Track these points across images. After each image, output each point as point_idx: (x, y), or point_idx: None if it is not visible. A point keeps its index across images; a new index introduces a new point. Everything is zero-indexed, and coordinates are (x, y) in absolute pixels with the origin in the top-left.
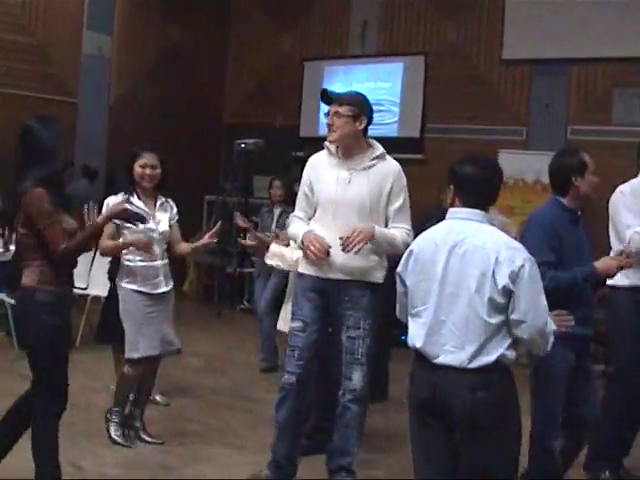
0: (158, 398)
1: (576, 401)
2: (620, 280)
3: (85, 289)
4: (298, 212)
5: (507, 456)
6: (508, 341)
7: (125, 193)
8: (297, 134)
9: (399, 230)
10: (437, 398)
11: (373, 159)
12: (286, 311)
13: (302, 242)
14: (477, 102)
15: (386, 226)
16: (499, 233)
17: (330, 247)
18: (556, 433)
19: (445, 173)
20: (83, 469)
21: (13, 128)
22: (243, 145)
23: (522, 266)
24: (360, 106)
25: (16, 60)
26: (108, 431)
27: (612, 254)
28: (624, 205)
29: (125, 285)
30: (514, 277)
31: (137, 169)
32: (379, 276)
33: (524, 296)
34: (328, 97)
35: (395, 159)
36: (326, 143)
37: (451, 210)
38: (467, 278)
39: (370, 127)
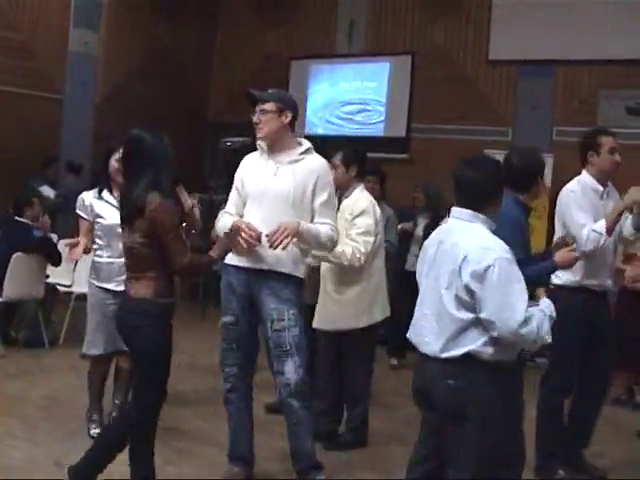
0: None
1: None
2: (565, 279)
3: (70, 287)
4: (229, 208)
5: (472, 453)
6: (483, 338)
7: (100, 188)
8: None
9: (324, 226)
10: (424, 387)
11: (300, 154)
12: None
13: (230, 230)
14: (463, 102)
15: (312, 221)
16: (480, 233)
17: (261, 233)
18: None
19: (431, 173)
20: (66, 467)
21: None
22: (229, 143)
23: (489, 266)
24: (283, 101)
25: (2, 56)
26: (89, 430)
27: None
28: (576, 204)
29: (91, 281)
30: (477, 276)
31: (113, 163)
32: (301, 269)
33: (491, 297)
34: (252, 97)
35: (381, 159)
36: (259, 142)
37: (451, 209)
38: (442, 274)
39: (356, 126)
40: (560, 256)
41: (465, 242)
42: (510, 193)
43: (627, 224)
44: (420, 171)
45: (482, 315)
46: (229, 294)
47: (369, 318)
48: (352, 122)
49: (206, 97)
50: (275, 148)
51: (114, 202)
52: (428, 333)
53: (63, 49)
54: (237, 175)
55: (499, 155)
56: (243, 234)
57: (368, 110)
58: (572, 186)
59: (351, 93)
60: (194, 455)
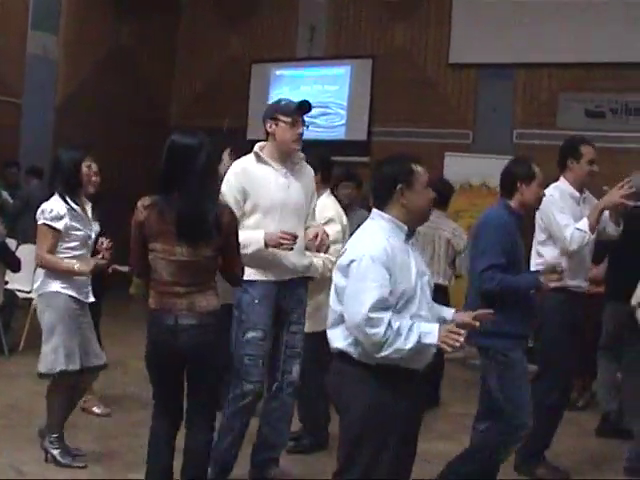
0: (96, 410)
1: None
2: None
3: (29, 292)
4: None
5: (343, 448)
6: (352, 337)
7: (62, 196)
8: (244, 136)
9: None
10: None
11: (298, 161)
12: None
13: (265, 244)
14: (424, 105)
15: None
16: (368, 230)
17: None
18: (528, 425)
19: None
20: (25, 473)
21: None
22: None
23: (352, 261)
24: None
25: None
26: (54, 458)
27: (534, 256)
28: (556, 207)
29: (62, 290)
30: (342, 269)
31: (85, 171)
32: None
33: (348, 290)
34: (308, 107)
35: (342, 162)
36: (257, 150)
37: None
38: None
39: (317, 130)
40: (548, 279)
41: (353, 238)
42: (503, 200)
43: (607, 220)
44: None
45: (341, 307)
46: (257, 308)
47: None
48: (313, 125)
49: (168, 100)
50: (284, 159)
51: (81, 212)
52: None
53: (21, 52)
54: (234, 183)
55: (460, 157)
56: (285, 241)
57: (329, 113)
58: (550, 191)
59: (312, 97)
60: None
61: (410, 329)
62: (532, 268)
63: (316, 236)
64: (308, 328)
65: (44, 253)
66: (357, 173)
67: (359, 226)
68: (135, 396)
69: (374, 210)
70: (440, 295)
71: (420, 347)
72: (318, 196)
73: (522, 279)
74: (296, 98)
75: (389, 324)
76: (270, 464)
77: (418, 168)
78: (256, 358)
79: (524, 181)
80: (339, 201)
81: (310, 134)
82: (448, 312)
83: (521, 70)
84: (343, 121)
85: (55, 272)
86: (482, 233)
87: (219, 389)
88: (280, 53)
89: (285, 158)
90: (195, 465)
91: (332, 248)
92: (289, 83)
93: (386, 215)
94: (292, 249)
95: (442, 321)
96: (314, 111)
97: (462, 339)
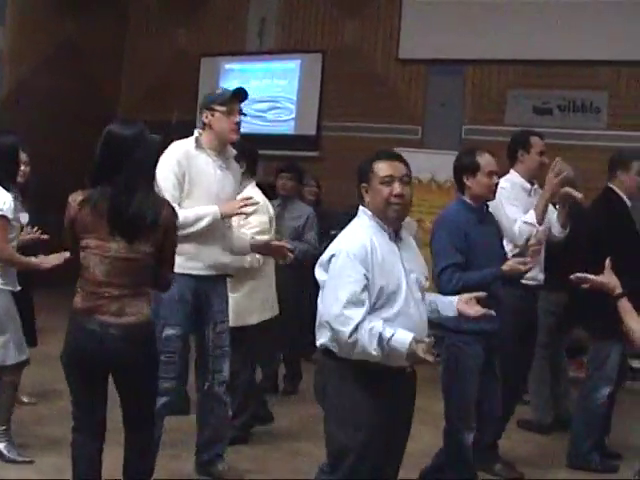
0: (25, 399)
1: (480, 396)
2: None
3: None
4: (173, 198)
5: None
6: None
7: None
8: (193, 130)
9: None
10: None
11: (230, 156)
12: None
13: (221, 215)
14: (373, 101)
15: None
16: (351, 226)
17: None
18: (471, 426)
19: (341, 170)
20: None
21: None
22: None
23: (332, 256)
24: None
25: None
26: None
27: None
28: (507, 199)
29: (2, 287)
30: (323, 265)
31: (23, 160)
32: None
33: (326, 285)
34: (245, 95)
35: (291, 156)
36: (197, 135)
37: None
38: None
39: (266, 124)
40: (509, 265)
41: (340, 235)
42: (460, 197)
43: (553, 220)
44: (331, 169)
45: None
46: (174, 304)
47: (260, 316)
48: (263, 120)
49: (116, 94)
50: (222, 151)
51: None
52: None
53: None
54: (173, 165)
55: (409, 153)
56: (244, 207)
57: (279, 108)
58: (502, 184)
59: (261, 91)
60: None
61: (380, 333)
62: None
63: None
64: (232, 322)
65: (9, 248)
66: (297, 165)
67: (300, 218)
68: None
69: (360, 207)
70: None
71: (390, 351)
72: (244, 187)
73: (481, 273)
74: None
75: (356, 327)
76: (215, 461)
77: (378, 164)
78: (173, 355)
79: (469, 173)
80: (277, 192)
81: (259, 128)
82: (452, 300)
83: (470, 66)
84: (292, 115)
85: (10, 268)
86: (435, 234)
87: (153, 401)
88: (230, 47)
89: (221, 149)
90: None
91: (258, 238)
92: (238, 77)
93: (369, 212)
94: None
95: (449, 304)
96: (263, 105)
97: (431, 359)
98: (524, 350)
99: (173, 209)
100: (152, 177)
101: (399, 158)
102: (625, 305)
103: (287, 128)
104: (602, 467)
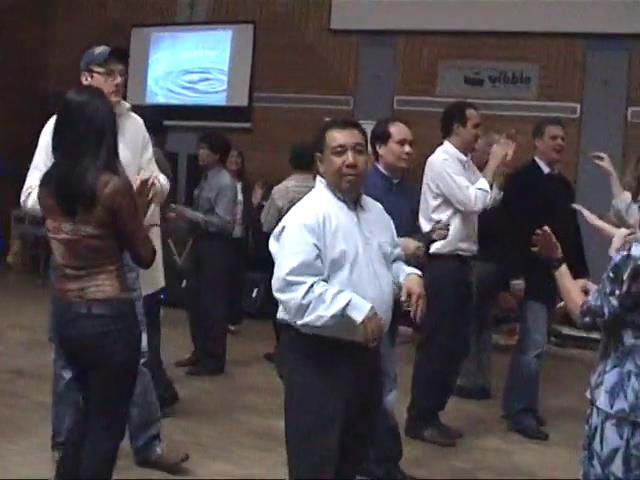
0: None
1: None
2: (439, 245)
3: None
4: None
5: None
6: None
7: None
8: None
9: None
10: None
11: (122, 113)
12: None
13: None
14: (305, 71)
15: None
16: (309, 195)
17: None
18: (390, 388)
19: (273, 142)
20: None
21: None
22: None
23: (284, 227)
24: None
25: None
26: None
27: (425, 223)
28: (452, 170)
29: None
30: (276, 236)
31: None
32: None
33: (277, 256)
34: (124, 54)
35: (223, 128)
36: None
37: None
38: None
39: (198, 95)
40: (402, 240)
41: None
42: (374, 165)
43: (494, 193)
44: (262, 140)
45: None
46: None
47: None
48: (194, 91)
49: (44, 65)
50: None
51: None
52: None
53: None
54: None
55: None
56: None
57: (210, 79)
58: (442, 155)
59: (193, 62)
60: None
61: (335, 296)
62: None
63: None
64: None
65: None
66: (214, 135)
67: (214, 189)
68: (8, 366)
69: (317, 177)
70: None
71: (344, 319)
72: None
73: None
74: (176, 63)
75: (310, 288)
76: (152, 443)
77: (332, 133)
78: None
79: (381, 142)
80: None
81: (190, 99)
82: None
83: (402, 37)
84: (224, 87)
85: None
86: None
87: (119, 395)
88: (161, 17)
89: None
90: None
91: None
92: (169, 47)
93: (324, 182)
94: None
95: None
96: (194, 77)
97: (374, 344)
98: (463, 320)
99: (121, 187)
100: (98, 148)
101: (354, 125)
102: (564, 270)
103: (219, 99)
104: (535, 433)
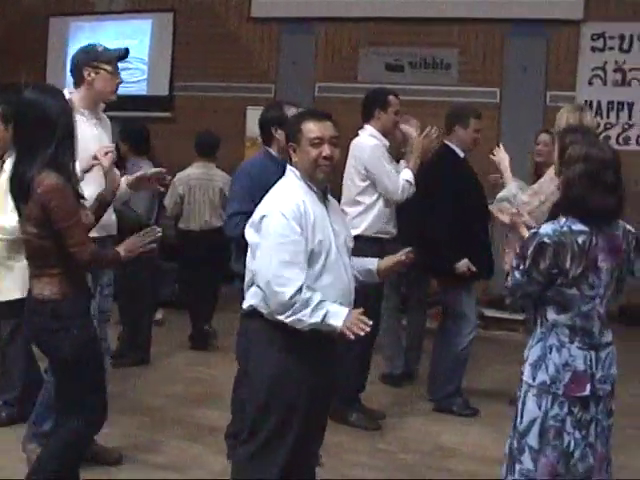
0: None
1: None
2: (362, 229)
3: None
4: None
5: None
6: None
7: None
8: None
9: None
10: None
11: (100, 111)
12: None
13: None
14: (226, 60)
15: None
16: (282, 185)
17: None
18: None
19: (195, 131)
20: None
21: None
22: None
23: (263, 217)
24: None
25: None
26: None
27: (350, 203)
28: (383, 156)
29: None
30: (254, 226)
31: None
32: None
33: (260, 246)
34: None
35: (144, 117)
36: (69, 97)
37: None
38: None
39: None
40: None
41: (267, 194)
42: (264, 148)
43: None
44: (184, 129)
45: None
46: None
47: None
48: None
49: None
50: (96, 109)
51: None
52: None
53: None
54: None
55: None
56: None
57: (130, 68)
58: (370, 140)
59: None
60: None
61: (318, 305)
62: (353, 216)
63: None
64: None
65: None
66: (126, 126)
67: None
68: None
69: (288, 167)
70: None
71: (323, 326)
72: None
73: None
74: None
75: (299, 289)
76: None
77: (308, 125)
78: None
79: (278, 126)
80: None
81: None
82: (371, 263)
83: (322, 24)
84: (144, 76)
85: None
86: (234, 181)
87: (66, 390)
88: (79, 6)
89: (96, 108)
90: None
91: None
92: (88, 37)
93: (297, 172)
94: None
95: (367, 273)
96: None
97: (367, 329)
98: (379, 304)
99: (55, 187)
100: (46, 146)
101: (329, 117)
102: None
103: (139, 89)
104: (463, 411)
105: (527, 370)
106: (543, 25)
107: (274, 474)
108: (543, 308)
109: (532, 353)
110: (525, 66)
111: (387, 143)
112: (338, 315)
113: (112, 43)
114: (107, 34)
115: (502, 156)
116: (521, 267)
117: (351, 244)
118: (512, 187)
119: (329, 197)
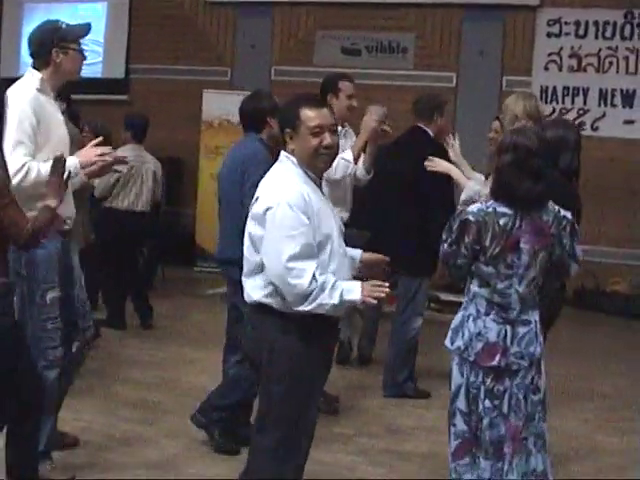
0: None
1: None
2: None
3: None
4: (30, 154)
5: (266, 406)
6: (271, 286)
7: None
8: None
9: None
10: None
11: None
12: None
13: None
14: (182, 43)
15: None
16: (279, 173)
17: None
18: None
19: (150, 114)
20: None
21: None
22: None
23: (269, 208)
24: None
25: None
26: None
27: None
28: None
29: None
30: (257, 218)
31: None
32: None
33: (266, 239)
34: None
35: (100, 100)
36: (42, 77)
37: None
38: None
39: None
40: None
41: (265, 181)
42: (253, 135)
43: (359, 164)
44: (140, 112)
45: (260, 256)
46: (52, 264)
47: None
48: None
49: None
50: (57, 92)
51: None
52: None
53: None
54: (28, 113)
55: (218, 94)
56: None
57: (85, 50)
58: None
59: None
60: None
61: (334, 286)
62: None
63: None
64: None
65: None
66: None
67: None
68: None
69: (282, 153)
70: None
71: (343, 304)
72: None
73: None
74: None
75: (313, 276)
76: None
77: (306, 112)
78: (57, 320)
79: (272, 115)
80: None
81: None
82: (355, 253)
83: (278, 8)
84: (100, 59)
85: None
86: (251, 167)
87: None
88: None
89: (58, 91)
90: None
91: None
92: (43, 18)
93: (294, 159)
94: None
95: (350, 261)
96: None
97: (387, 290)
98: None
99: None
100: None
101: (325, 104)
102: None
103: (94, 72)
104: (416, 394)
105: (449, 336)
106: (500, 10)
107: (300, 459)
108: (470, 280)
109: (455, 320)
110: (481, 51)
111: (340, 128)
112: (353, 290)
113: None
114: (62, 15)
115: (455, 152)
116: (448, 240)
117: (342, 229)
118: (472, 185)
119: (322, 185)
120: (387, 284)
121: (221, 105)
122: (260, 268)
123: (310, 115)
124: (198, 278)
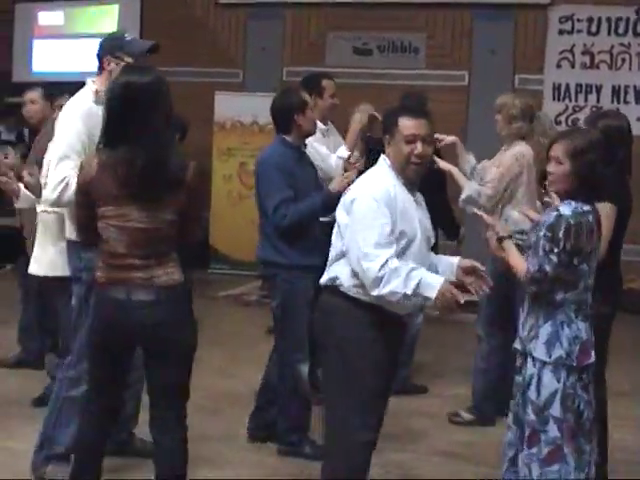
0: None
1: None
2: None
3: None
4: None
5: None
6: (349, 268)
7: None
8: (9, 79)
9: None
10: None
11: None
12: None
13: None
14: (194, 46)
15: None
16: (375, 171)
17: None
18: (306, 358)
19: None
20: None
21: None
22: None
23: (355, 199)
24: None
25: None
26: None
27: None
28: (315, 139)
29: None
30: (345, 207)
31: None
32: None
33: (349, 228)
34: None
35: None
36: (97, 88)
37: None
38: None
39: (85, 71)
40: (336, 182)
41: (360, 177)
42: (280, 136)
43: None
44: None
45: (342, 243)
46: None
47: None
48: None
49: None
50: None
51: None
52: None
53: None
54: (80, 127)
55: (230, 96)
56: None
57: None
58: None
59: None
60: None
61: (410, 275)
62: None
63: None
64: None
65: None
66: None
67: None
68: None
69: (382, 156)
70: None
71: (417, 296)
72: None
73: (307, 202)
74: (64, 41)
75: (386, 261)
76: None
77: (404, 121)
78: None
79: (299, 111)
80: None
81: (79, 76)
82: (454, 259)
83: (290, 9)
84: None
85: None
86: (262, 175)
87: (187, 376)
88: None
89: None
90: (171, 467)
91: None
92: (54, 25)
93: (389, 162)
94: None
95: (448, 265)
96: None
97: (461, 300)
98: None
99: (200, 171)
100: (172, 131)
101: (425, 115)
102: (509, 244)
103: None
104: (413, 389)
105: (540, 348)
106: (511, 8)
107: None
108: (549, 288)
109: (542, 332)
110: (493, 49)
111: (323, 127)
112: (431, 286)
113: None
114: (73, 19)
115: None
116: (555, 250)
117: (432, 240)
118: (472, 184)
119: (417, 192)
120: (462, 296)
121: (233, 107)
122: (343, 254)
123: (407, 124)
124: (212, 280)
